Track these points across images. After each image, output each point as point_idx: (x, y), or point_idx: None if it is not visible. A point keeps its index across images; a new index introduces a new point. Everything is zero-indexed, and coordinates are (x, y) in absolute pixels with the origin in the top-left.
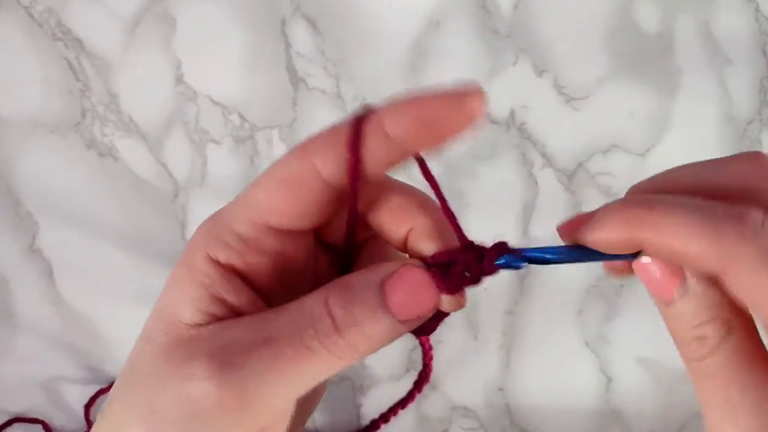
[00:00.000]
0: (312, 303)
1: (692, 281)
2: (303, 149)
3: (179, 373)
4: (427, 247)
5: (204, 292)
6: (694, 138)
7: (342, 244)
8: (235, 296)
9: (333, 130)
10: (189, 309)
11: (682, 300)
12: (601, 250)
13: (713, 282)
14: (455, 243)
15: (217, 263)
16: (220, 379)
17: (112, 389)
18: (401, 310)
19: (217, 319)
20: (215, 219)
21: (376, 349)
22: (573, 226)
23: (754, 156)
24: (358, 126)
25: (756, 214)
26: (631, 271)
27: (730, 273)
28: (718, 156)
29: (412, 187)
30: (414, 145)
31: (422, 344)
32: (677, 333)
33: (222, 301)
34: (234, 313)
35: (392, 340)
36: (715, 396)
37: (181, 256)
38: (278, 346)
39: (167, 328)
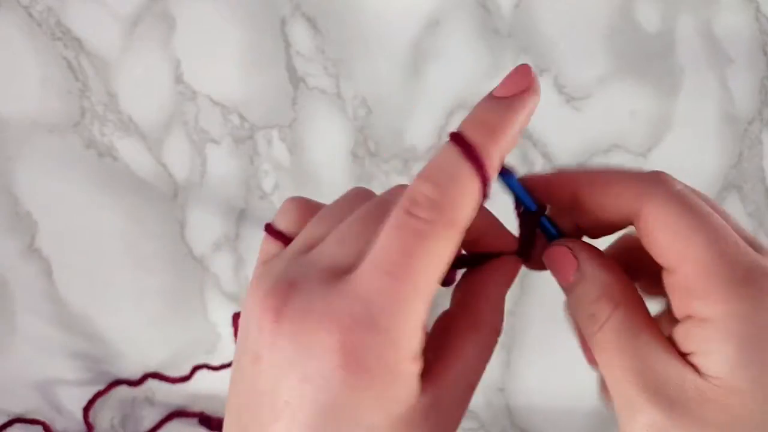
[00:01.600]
0: (486, 343)
1: (585, 265)
2: (451, 231)
3: None
4: None
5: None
6: (695, 137)
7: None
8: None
9: (462, 190)
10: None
11: (579, 284)
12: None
13: (603, 265)
14: None
15: (415, 360)
16: None
17: None
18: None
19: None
20: (369, 321)
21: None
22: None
23: (653, 175)
24: (482, 168)
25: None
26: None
27: (643, 214)
28: (719, 155)
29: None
30: (507, 152)
31: None
32: (576, 313)
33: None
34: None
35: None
36: (608, 365)
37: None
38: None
39: None
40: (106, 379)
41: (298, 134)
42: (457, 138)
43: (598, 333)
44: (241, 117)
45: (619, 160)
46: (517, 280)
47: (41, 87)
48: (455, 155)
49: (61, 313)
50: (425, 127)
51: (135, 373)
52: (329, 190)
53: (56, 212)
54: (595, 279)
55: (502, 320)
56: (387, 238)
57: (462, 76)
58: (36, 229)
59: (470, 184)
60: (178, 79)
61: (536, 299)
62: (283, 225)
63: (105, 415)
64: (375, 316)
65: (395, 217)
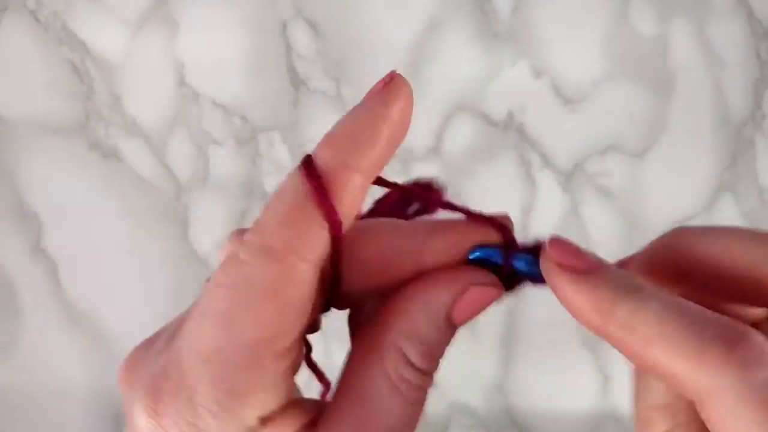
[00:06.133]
0: (397, 373)
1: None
2: (271, 251)
3: None
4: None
5: None
6: (689, 139)
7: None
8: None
9: (291, 210)
10: None
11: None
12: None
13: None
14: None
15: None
16: None
17: None
18: (464, 320)
19: None
20: (177, 399)
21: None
22: (562, 257)
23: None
24: (320, 189)
25: (753, 340)
26: None
27: (705, 407)
28: (713, 157)
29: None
30: (378, 170)
31: None
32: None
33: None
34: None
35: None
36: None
37: None
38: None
39: None
40: (110, 377)
41: (299, 136)
42: (303, 159)
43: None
44: (244, 119)
45: (616, 161)
46: None
47: (47, 89)
48: (295, 178)
49: (66, 312)
50: (424, 129)
51: None
52: None
53: (62, 213)
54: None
55: (427, 352)
56: (213, 277)
57: (461, 79)
58: (42, 230)
59: (302, 209)
60: (182, 81)
61: (535, 299)
62: None
63: (109, 411)
64: (183, 376)
65: (228, 244)
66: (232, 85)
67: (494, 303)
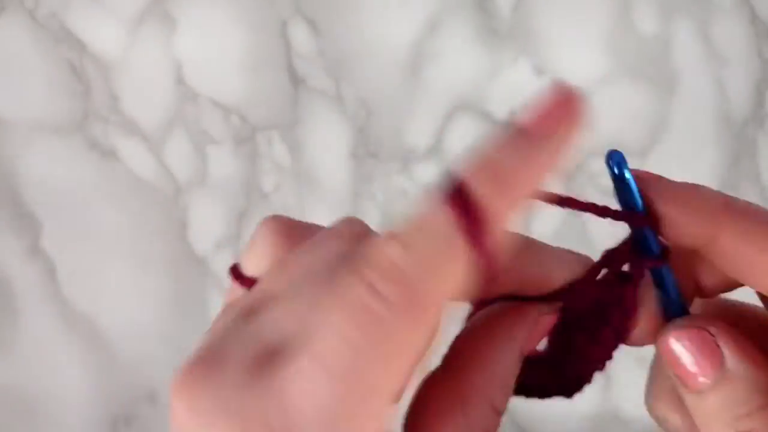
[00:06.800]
0: (482, 422)
1: (733, 361)
2: (418, 310)
3: None
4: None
5: None
6: (691, 138)
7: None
8: None
9: (441, 256)
10: None
11: (721, 385)
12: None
13: (756, 360)
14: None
15: None
16: None
17: None
18: (529, 351)
19: None
20: None
21: None
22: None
23: None
24: (480, 243)
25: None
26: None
27: (721, 234)
28: (715, 156)
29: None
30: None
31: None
32: (707, 423)
33: None
34: None
35: None
36: None
37: None
38: None
39: None
40: (108, 378)
41: (298, 135)
42: (455, 189)
43: None
44: (242, 118)
45: None
46: None
47: (45, 89)
48: (445, 215)
49: (64, 312)
50: (425, 128)
51: (137, 373)
52: (329, 190)
53: (60, 213)
54: (748, 381)
55: (507, 394)
56: (332, 319)
57: (461, 78)
58: (40, 230)
59: (455, 253)
60: (180, 80)
61: None
62: (252, 264)
63: (107, 412)
64: (299, 430)
65: (348, 285)
66: (231, 85)
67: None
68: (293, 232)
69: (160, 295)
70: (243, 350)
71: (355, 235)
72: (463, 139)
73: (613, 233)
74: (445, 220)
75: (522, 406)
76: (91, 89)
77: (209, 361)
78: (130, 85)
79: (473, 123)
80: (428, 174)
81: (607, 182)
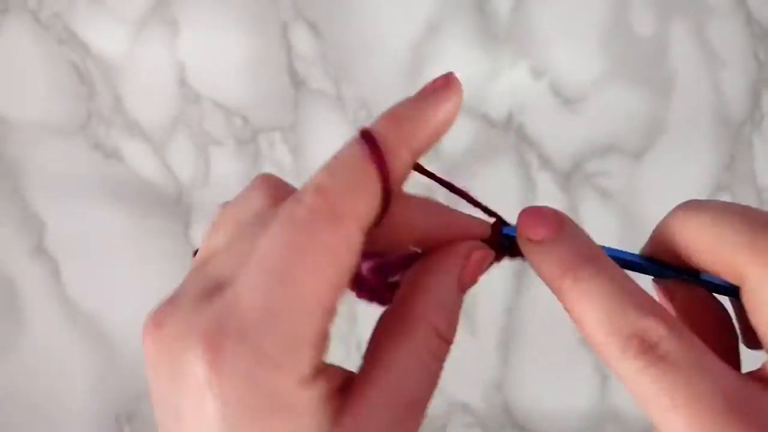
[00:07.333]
0: (426, 345)
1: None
2: (337, 218)
3: None
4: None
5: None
6: (688, 139)
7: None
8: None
9: (354, 177)
10: None
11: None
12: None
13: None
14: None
15: (308, 382)
16: None
17: None
18: (469, 284)
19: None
20: (240, 348)
21: None
22: (529, 231)
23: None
24: (381, 161)
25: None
26: None
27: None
28: (712, 157)
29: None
30: (422, 154)
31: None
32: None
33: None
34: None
35: None
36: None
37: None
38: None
39: None
40: (111, 376)
41: (299, 136)
42: (363, 131)
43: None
44: (244, 119)
45: (615, 161)
46: (515, 279)
47: (48, 90)
48: (356, 146)
49: (68, 312)
50: None
51: (139, 371)
52: None
53: (63, 213)
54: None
55: (451, 320)
56: (270, 234)
57: (461, 79)
58: (44, 230)
59: (364, 174)
60: (182, 82)
61: (533, 298)
62: (242, 209)
63: (110, 410)
64: (246, 327)
65: (282, 208)
66: (233, 86)
67: (490, 265)
68: (279, 193)
69: (163, 295)
70: (195, 287)
71: (272, 187)
72: (463, 140)
73: (612, 234)
74: (358, 153)
75: (522, 405)
76: (94, 91)
77: (168, 303)
78: (133, 86)
79: (472, 124)
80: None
81: (604, 183)
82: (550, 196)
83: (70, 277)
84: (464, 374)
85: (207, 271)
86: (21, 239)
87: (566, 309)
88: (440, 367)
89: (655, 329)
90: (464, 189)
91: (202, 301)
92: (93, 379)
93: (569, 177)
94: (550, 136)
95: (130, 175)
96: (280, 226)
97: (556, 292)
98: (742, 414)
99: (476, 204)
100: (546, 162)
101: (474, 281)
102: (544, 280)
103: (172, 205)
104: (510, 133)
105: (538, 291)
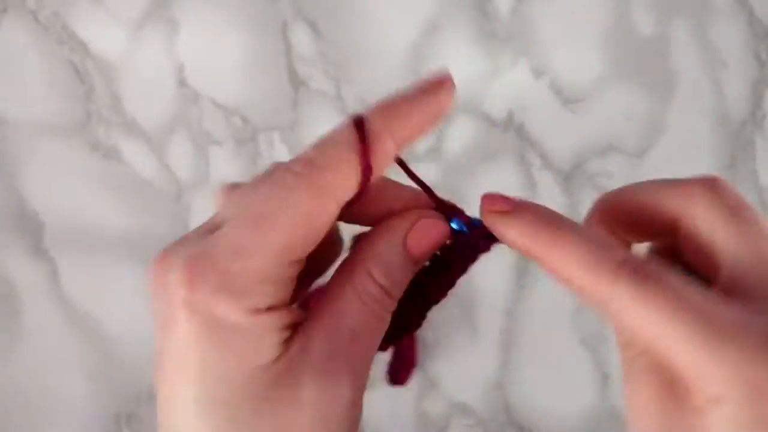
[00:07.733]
0: (362, 286)
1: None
2: (317, 186)
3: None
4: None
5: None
6: (689, 139)
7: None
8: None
9: (338, 155)
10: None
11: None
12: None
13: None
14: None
15: (259, 312)
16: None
17: None
18: (419, 251)
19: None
20: (210, 273)
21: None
22: (493, 205)
23: (707, 182)
24: (365, 146)
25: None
26: None
27: (607, 312)
28: (713, 157)
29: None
30: (407, 145)
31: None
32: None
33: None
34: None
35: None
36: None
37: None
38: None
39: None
40: (110, 377)
41: (299, 136)
42: (355, 116)
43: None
44: (243, 119)
45: (615, 161)
46: (515, 280)
47: (47, 90)
48: (346, 130)
49: (66, 312)
50: None
51: (138, 372)
52: None
53: (62, 213)
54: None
55: (389, 272)
56: (260, 191)
57: (461, 79)
58: (42, 230)
59: (348, 157)
60: (182, 82)
61: (533, 299)
62: (260, 194)
63: (109, 410)
64: (218, 259)
65: (274, 171)
66: (232, 86)
67: (442, 238)
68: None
69: None
70: (197, 230)
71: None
72: (463, 140)
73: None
74: (346, 137)
75: (522, 406)
76: (93, 90)
77: (174, 241)
78: (133, 86)
79: (473, 124)
80: (428, 174)
81: (604, 182)
82: (550, 196)
83: (69, 277)
84: (465, 375)
85: (213, 218)
86: (19, 239)
87: (547, 266)
88: (382, 314)
89: (637, 256)
90: (429, 186)
91: (198, 238)
92: (92, 379)
93: (570, 177)
94: (551, 135)
95: (129, 174)
96: (269, 185)
97: (534, 252)
98: (735, 314)
99: (444, 203)
100: (546, 162)
101: (422, 249)
102: (519, 246)
103: (172, 205)
104: (510, 132)
105: (539, 292)
